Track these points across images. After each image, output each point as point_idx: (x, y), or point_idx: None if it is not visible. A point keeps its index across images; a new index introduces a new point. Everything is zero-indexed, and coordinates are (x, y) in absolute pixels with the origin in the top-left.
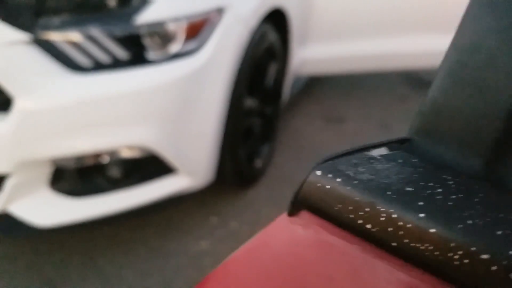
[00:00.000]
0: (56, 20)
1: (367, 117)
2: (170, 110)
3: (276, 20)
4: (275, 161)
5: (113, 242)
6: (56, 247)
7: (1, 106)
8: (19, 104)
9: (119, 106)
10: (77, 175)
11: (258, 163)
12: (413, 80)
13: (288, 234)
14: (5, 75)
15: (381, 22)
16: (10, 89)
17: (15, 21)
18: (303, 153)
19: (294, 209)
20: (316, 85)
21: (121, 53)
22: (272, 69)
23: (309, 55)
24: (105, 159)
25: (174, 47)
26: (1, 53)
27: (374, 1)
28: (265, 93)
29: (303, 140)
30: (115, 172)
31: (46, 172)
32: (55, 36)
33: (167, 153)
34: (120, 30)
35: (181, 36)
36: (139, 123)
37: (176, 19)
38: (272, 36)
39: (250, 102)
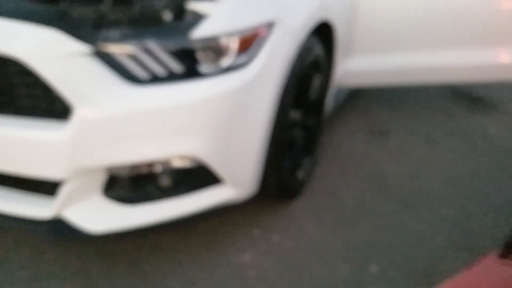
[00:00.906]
0: (115, 33)
1: (412, 131)
2: (220, 121)
3: (322, 32)
4: (317, 174)
5: (157, 250)
6: (103, 253)
7: (61, 114)
8: (79, 113)
9: (173, 117)
10: (130, 183)
11: (300, 175)
12: (460, 94)
13: (502, 277)
14: (66, 84)
15: (426, 35)
16: (71, 98)
17: (77, 33)
18: (346, 167)
19: (508, 251)
20: (358, 97)
21: (176, 66)
22: (316, 81)
23: (352, 67)
24: (158, 168)
25: (226, 61)
26: (63, 63)
27: (419, 15)
28: (308, 105)
29: (346, 154)
30: (165, 181)
31: (100, 180)
32: (114, 49)
33: (216, 164)
34: (175, 44)
35: (233, 50)
36: (191, 134)
37: (229, 34)
38: (318, 48)
39: (294, 114)
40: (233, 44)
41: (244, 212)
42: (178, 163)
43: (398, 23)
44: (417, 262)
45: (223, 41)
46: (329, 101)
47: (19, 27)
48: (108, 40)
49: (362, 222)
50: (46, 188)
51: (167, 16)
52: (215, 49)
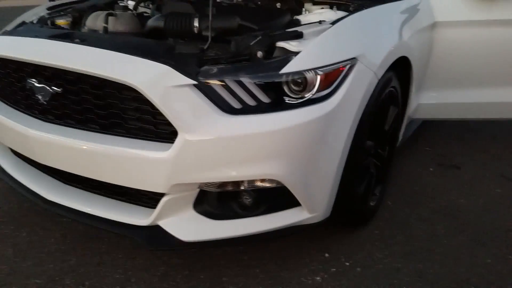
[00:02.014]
0: (214, 68)
1: (484, 166)
2: (301, 148)
3: (398, 66)
4: (387, 204)
5: (234, 263)
6: (187, 263)
7: (168, 136)
8: (182, 137)
9: (260, 143)
10: (217, 200)
11: (372, 203)
12: None
13: None
14: (173, 111)
15: (500, 71)
16: (176, 123)
17: (183, 68)
18: (416, 198)
19: None
20: (429, 128)
21: (264, 98)
22: (392, 113)
23: (426, 100)
24: (242, 189)
25: (310, 94)
26: (171, 93)
27: (492, 51)
28: (383, 135)
29: (416, 185)
30: (247, 201)
31: (193, 195)
32: (213, 82)
33: (294, 187)
34: (265, 79)
35: (317, 84)
36: (274, 158)
37: (314, 70)
38: (395, 82)
39: (369, 144)
40: (317, 79)
41: (315, 236)
42: (260, 185)
43: (471, 60)
44: None
45: (308, 76)
46: (401, 132)
47: (136, 60)
48: (208, 75)
49: (434, 255)
50: (144, 200)
51: (259, 53)
52: (300, 83)
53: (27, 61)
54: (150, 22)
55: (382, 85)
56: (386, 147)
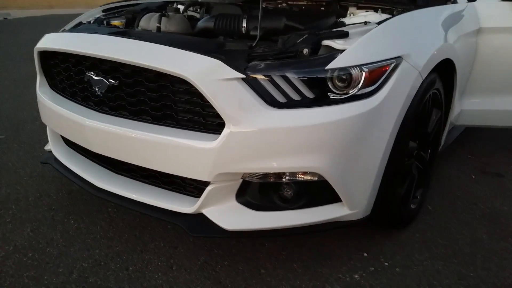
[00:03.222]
0: (262, 63)
1: None
2: (343, 143)
3: (442, 70)
4: (427, 208)
5: (273, 257)
6: (227, 253)
7: (215, 128)
8: (229, 128)
9: (303, 136)
10: (258, 191)
11: (413, 206)
12: None
13: None
14: (222, 104)
15: None
16: (224, 115)
17: (233, 63)
18: (458, 204)
19: None
20: (471, 136)
21: (309, 93)
22: (435, 116)
23: (468, 106)
24: (284, 179)
25: (353, 90)
26: (220, 86)
27: None
28: (425, 138)
29: (457, 191)
30: (289, 193)
31: (236, 185)
32: (260, 77)
33: (335, 181)
34: (311, 75)
35: (361, 81)
36: (316, 151)
37: (358, 67)
38: (438, 84)
39: (411, 145)
40: (362, 75)
41: (354, 235)
42: (301, 178)
43: None
44: None
45: (353, 73)
46: (443, 137)
47: (188, 54)
48: (256, 70)
49: (476, 259)
50: (189, 189)
51: (305, 50)
52: (345, 79)
53: (87, 55)
54: (201, 23)
55: (427, 85)
56: (428, 150)
